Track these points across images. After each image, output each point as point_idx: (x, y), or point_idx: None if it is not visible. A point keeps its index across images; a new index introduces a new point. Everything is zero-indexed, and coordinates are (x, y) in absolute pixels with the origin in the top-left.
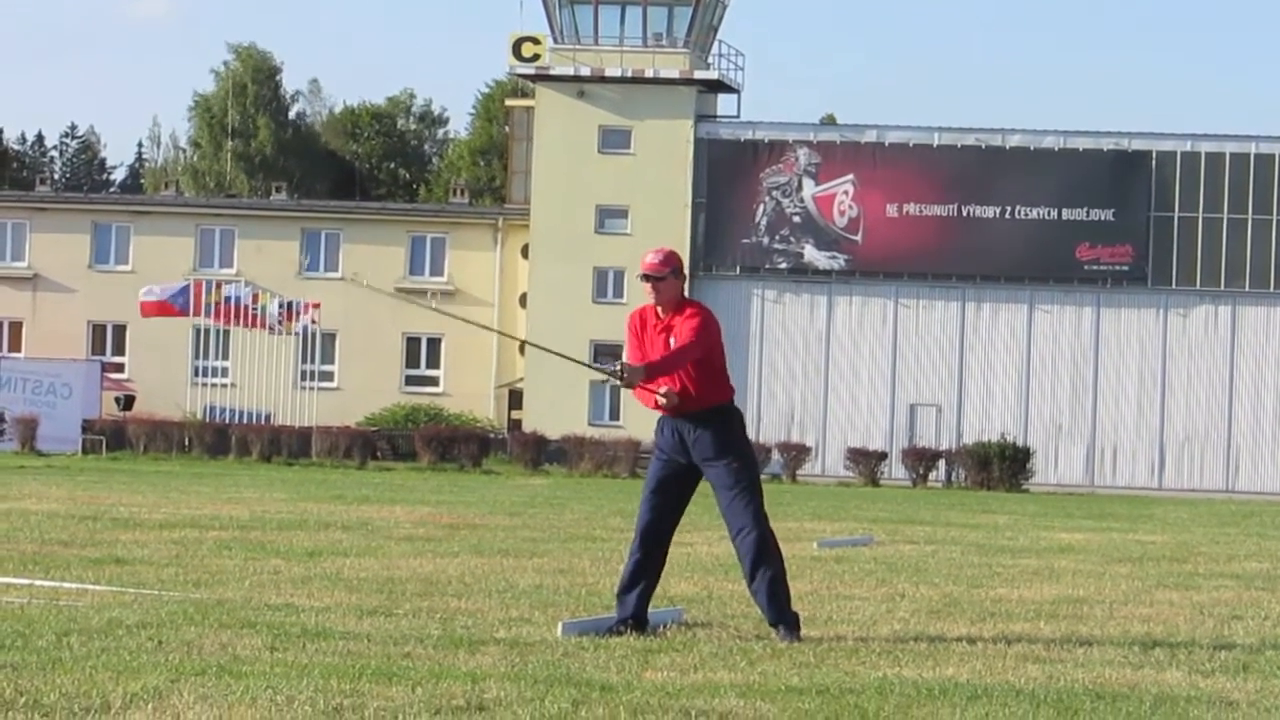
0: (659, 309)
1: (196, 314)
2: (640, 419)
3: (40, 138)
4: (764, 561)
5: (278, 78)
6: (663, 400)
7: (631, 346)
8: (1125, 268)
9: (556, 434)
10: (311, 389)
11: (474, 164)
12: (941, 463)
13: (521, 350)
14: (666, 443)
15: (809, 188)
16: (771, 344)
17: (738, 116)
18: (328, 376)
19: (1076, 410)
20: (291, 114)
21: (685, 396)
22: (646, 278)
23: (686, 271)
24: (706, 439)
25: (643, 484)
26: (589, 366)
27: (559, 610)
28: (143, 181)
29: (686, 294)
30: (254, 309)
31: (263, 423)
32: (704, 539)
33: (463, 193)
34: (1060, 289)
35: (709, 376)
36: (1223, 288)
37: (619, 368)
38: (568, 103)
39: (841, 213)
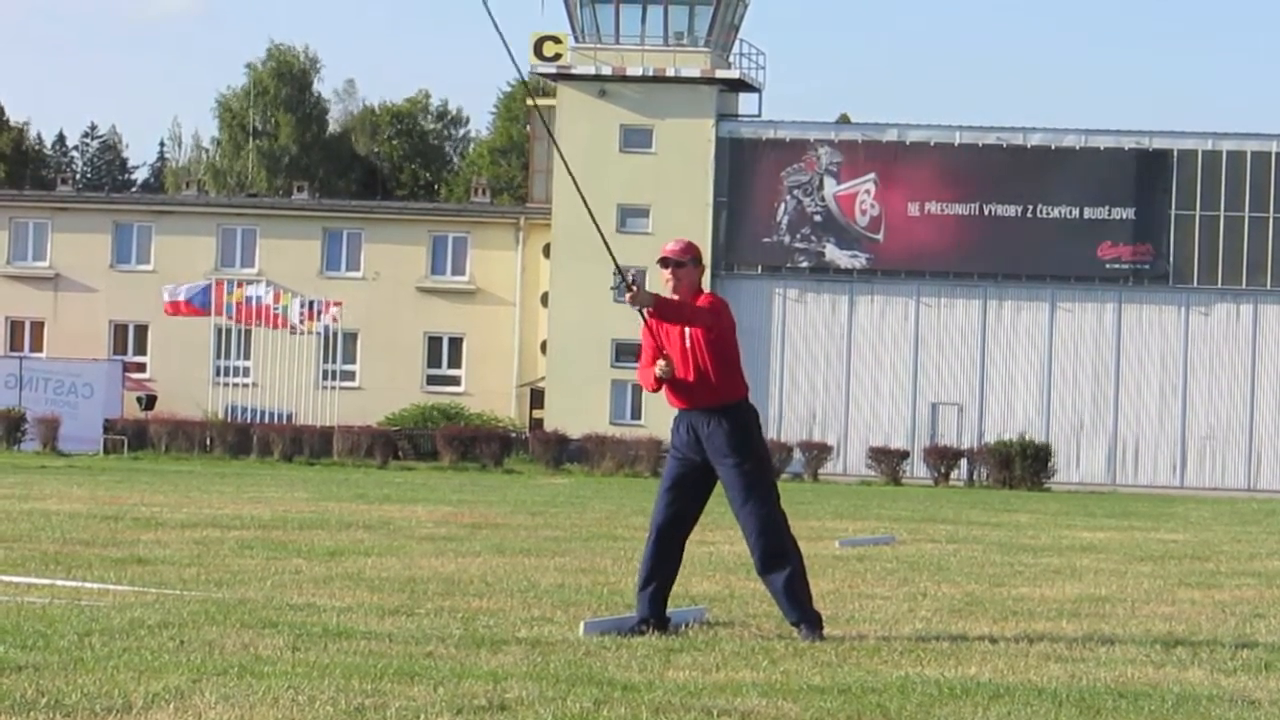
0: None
1: (218, 313)
2: (661, 418)
3: (61, 137)
4: (775, 565)
5: (308, 78)
6: (660, 372)
7: (647, 343)
8: (1146, 266)
9: (578, 433)
10: (333, 388)
11: (494, 163)
12: (963, 461)
13: (543, 350)
14: (681, 441)
15: (830, 186)
16: (793, 343)
17: (759, 115)
18: (349, 376)
19: (1098, 409)
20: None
21: (700, 387)
22: (666, 262)
23: (706, 265)
24: (720, 435)
25: (659, 483)
26: (614, 261)
27: (581, 609)
28: (164, 181)
29: (705, 289)
30: (275, 308)
31: (284, 422)
32: (725, 537)
33: (484, 192)
34: (1081, 287)
35: (723, 368)
36: (1244, 286)
37: (634, 282)
38: (589, 102)
39: (863, 211)
